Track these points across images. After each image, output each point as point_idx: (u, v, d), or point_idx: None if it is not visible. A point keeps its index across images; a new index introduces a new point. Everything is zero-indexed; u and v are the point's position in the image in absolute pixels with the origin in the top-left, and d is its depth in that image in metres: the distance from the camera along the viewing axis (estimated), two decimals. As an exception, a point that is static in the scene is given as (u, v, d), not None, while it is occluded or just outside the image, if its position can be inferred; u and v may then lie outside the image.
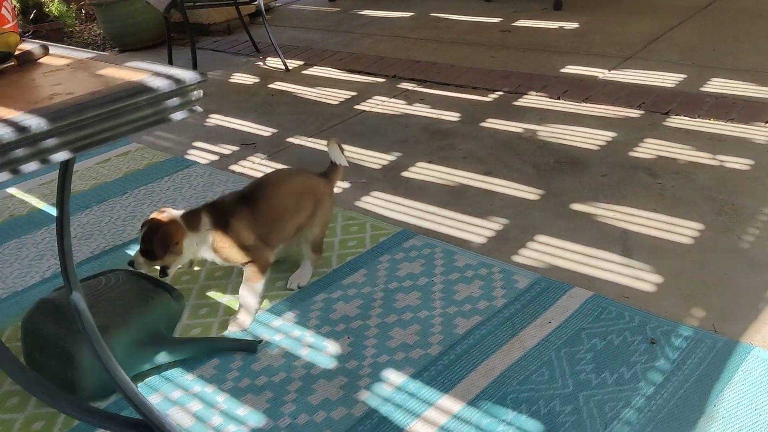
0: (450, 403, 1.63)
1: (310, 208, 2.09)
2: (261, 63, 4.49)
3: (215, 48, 4.98)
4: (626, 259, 2.10)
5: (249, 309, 1.97)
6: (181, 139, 3.34)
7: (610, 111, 3.16)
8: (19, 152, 1.00)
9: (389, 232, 2.36)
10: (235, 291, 2.07)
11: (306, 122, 3.41)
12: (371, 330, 1.91)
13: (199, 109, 1.21)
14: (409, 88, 3.74)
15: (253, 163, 3.01)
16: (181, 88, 1.15)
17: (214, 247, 1.94)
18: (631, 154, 2.74)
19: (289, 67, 4.27)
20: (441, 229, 2.37)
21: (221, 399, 1.72)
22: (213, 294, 2.12)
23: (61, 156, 1.04)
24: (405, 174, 2.78)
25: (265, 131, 3.35)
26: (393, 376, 1.73)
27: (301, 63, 4.36)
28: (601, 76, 3.56)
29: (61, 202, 1.23)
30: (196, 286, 2.16)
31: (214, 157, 3.10)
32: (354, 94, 3.74)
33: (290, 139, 3.23)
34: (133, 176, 2.96)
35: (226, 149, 3.18)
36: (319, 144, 3.14)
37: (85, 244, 2.45)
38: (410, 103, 3.52)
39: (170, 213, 1.93)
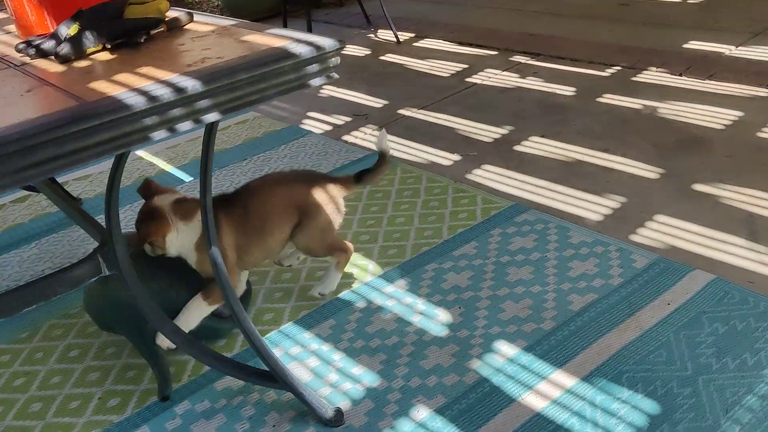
0: (563, 377, 1.63)
1: (292, 221, 1.87)
2: (372, 35, 4.53)
3: (327, 20, 5.06)
4: (752, 243, 2.01)
5: (184, 324, 1.69)
6: (296, 109, 3.43)
7: (736, 89, 3.00)
8: (176, 112, 1.07)
9: (501, 205, 2.36)
10: (311, 277, 2.07)
11: (417, 94, 3.43)
12: (482, 302, 1.92)
13: (336, 75, 1.25)
14: (522, 61, 3.68)
15: (365, 133, 3.06)
16: (320, 55, 1.19)
17: (198, 243, 1.72)
18: (759, 135, 2.60)
19: (400, 39, 4.29)
20: (554, 204, 2.34)
21: (337, 357, 1.78)
22: (288, 278, 2.18)
23: (212, 117, 1.11)
24: (517, 148, 2.76)
25: (376, 103, 3.39)
26: (505, 348, 1.75)
27: (412, 35, 4.37)
28: (727, 52, 3.38)
29: (205, 163, 1.31)
30: (273, 269, 2.20)
31: (328, 127, 3.18)
32: (465, 66, 3.72)
33: (401, 111, 3.26)
34: (251, 144, 3.07)
35: (339, 120, 3.25)
36: (430, 116, 3.16)
37: (208, 205, 2.58)
38: (523, 77, 3.47)
39: (165, 198, 1.74)
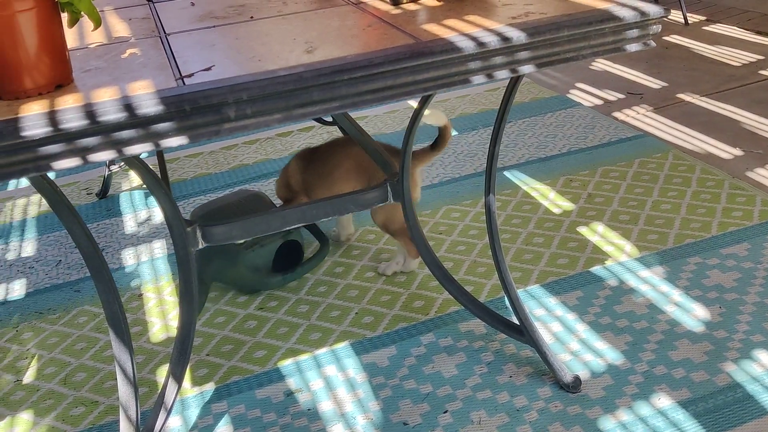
0: (833, 404, 1.49)
1: (359, 182, 1.98)
2: (657, 13, 4.28)
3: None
4: None
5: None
6: (567, 80, 3.39)
7: None
8: (497, 59, 1.13)
9: (783, 211, 2.16)
10: (562, 246, 2.09)
11: (701, 80, 3.21)
12: (747, 306, 1.80)
13: (653, 43, 1.23)
14: (832, 59, 3.27)
15: (638, 113, 2.95)
16: (643, 21, 1.18)
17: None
18: None
19: (689, 21, 4.01)
20: None
21: (581, 328, 1.79)
22: (540, 243, 2.17)
23: (527, 69, 1.16)
24: (812, 153, 2.49)
25: (654, 83, 3.24)
26: (766, 358, 1.63)
27: (703, 18, 4.07)
28: None
29: (502, 114, 1.37)
30: (525, 231, 2.22)
31: (598, 102, 3.10)
32: (760, 58, 3.40)
33: (681, 95, 3.08)
34: (517, 108, 3.11)
35: (611, 95, 3.16)
36: (712, 105, 2.95)
37: (469, 161, 2.67)
38: (831, 77, 3.09)
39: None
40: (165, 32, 1.34)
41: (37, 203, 2.68)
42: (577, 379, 1.60)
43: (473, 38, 1.11)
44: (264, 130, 3.10)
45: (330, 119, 2.95)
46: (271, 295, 2.01)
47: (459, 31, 1.14)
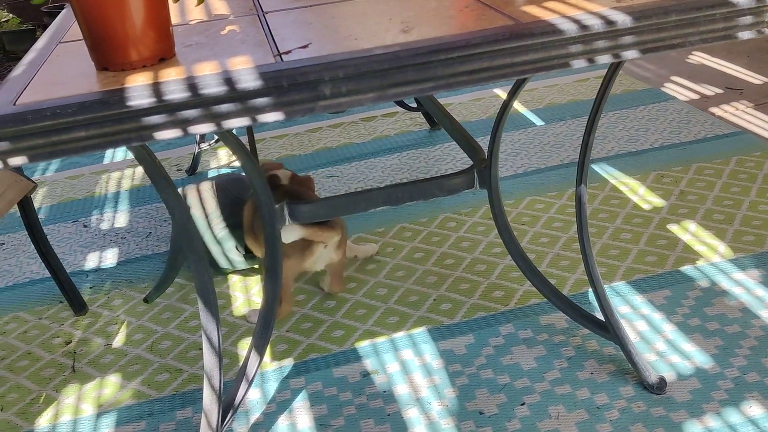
0: None
1: None
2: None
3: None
4: None
5: None
6: (661, 72, 3.27)
7: None
8: (600, 44, 1.09)
9: None
10: (651, 243, 2.00)
11: (807, 77, 3.03)
12: None
13: (766, 31, 1.16)
14: None
15: (737, 109, 2.81)
16: (759, 7, 1.11)
17: None
18: None
19: (797, 14, 3.79)
20: None
21: (668, 328, 1.73)
22: (627, 239, 2.09)
23: (631, 54, 1.11)
24: None
25: (756, 79, 3.08)
26: None
27: (813, 11, 3.83)
28: None
29: (599, 102, 1.33)
30: (612, 225, 2.15)
31: (694, 96, 2.98)
32: None
33: (785, 92, 2.92)
34: (609, 99, 3.00)
35: (708, 90, 3.02)
36: (820, 103, 2.78)
37: (556, 152, 2.61)
38: None
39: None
40: (263, 11, 1.36)
41: (129, 177, 2.79)
42: (662, 381, 1.55)
43: (576, 21, 1.07)
44: (353, 113, 3.13)
45: (414, 105, 2.94)
46: (350, 277, 2.02)
47: (560, 14, 1.11)
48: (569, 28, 1.06)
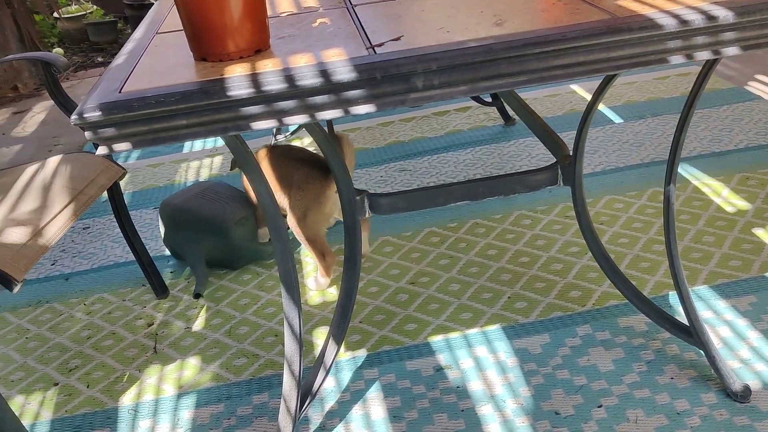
0: None
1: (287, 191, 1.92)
2: None
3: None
4: None
5: None
6: (747, 71, 3.15)
7: None
8: (699, 39, 1.06)
9: None
10: (735, 247, 1.93)
11: None
12: None
13: None
14: None
15: (829, 110, 2.68)
16: None
17: None
18: None
19: None
20: None
21: (753, 335, 1.67)
22: (711, 242, 2.02)
23: (731, 51, 1.08)
24: None
25: None
26: None
27: None
28: None
29: (692, 99, 1.29)
30: (694, 228, 2.08)
31: (782, 96, 2.86)
32: None
33: None
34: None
35: (798, 90, 2.90)
36: None
37: (635, 150, 2.55)
38: None
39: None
40: (351, 3, 1.37)
41: (208, 166, 2.86)
42: (746, 389, 1.50)
43: (675, 15, 1.04)
44: (443, 103, 3.13)
45: (489, 99, 2.92)
46: (422, 271, 2.03)
47: (658, 8, 1.08)
48: (668, 23, 1.03)
